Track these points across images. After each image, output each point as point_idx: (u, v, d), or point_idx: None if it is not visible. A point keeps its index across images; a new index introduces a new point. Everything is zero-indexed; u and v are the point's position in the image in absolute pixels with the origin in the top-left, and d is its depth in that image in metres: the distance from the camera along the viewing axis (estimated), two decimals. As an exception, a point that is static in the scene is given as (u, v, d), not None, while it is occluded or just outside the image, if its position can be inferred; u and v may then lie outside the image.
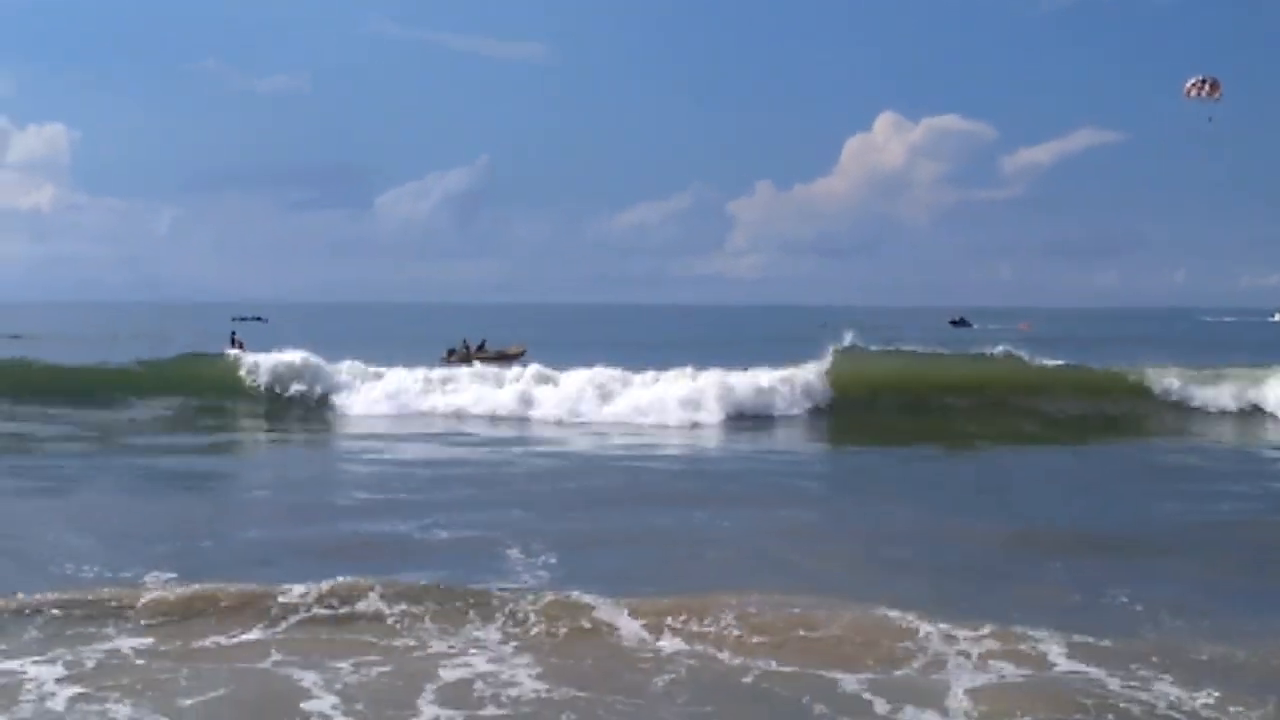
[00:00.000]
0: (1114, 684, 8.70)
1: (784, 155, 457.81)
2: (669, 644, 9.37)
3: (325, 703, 8.21)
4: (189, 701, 8.32)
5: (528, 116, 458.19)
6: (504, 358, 48.13)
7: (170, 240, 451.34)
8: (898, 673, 8.98)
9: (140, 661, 9.21)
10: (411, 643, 9.50)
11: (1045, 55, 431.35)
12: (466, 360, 47.17)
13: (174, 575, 11.78)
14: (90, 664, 9.09)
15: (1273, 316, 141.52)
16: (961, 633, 9.58)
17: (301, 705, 8.20)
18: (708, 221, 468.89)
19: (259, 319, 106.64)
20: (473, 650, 9.31)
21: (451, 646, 9.43)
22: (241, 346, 46.33)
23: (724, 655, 9.28)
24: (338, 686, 8.47)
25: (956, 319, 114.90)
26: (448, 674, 8.76)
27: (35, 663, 8.97)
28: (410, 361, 41.00)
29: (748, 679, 8.74)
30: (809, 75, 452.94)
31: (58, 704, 8.19)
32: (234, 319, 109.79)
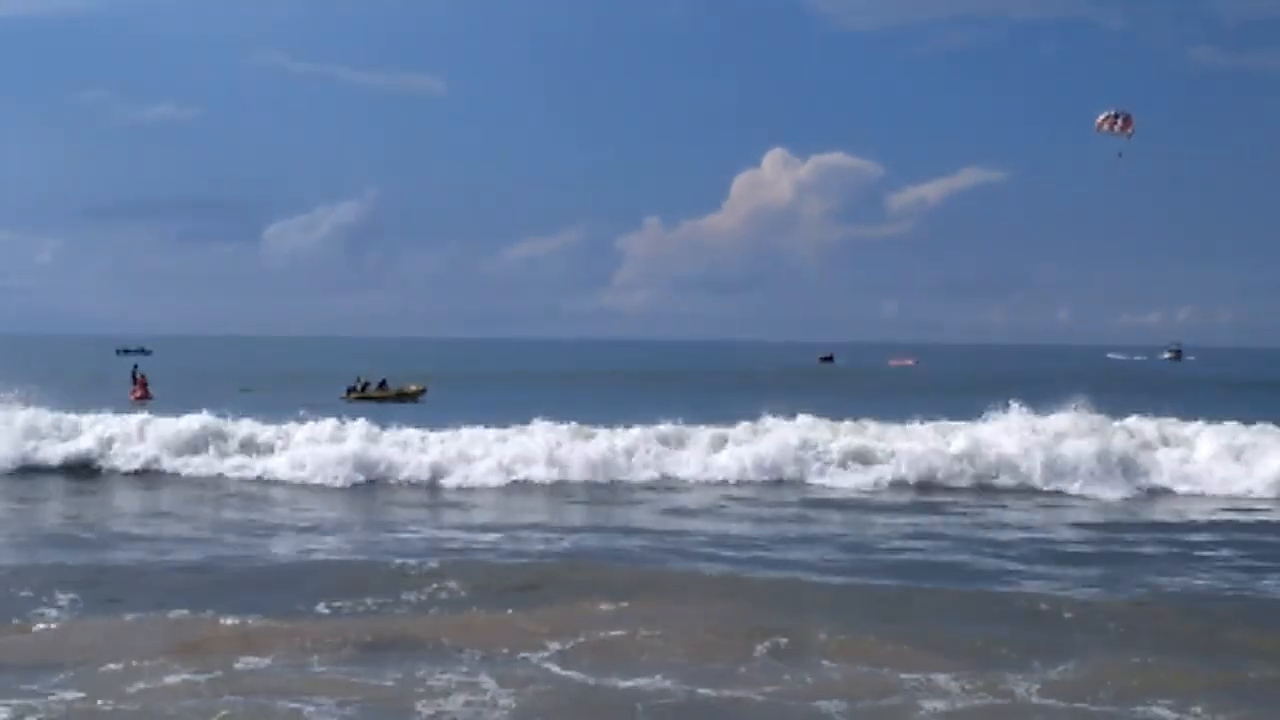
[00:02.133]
0: None
1: (672, 191, 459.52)
2: None
3: None
4: None
5: (418, 150, 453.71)
6: (404, 396, 46.81)
7: (55, 272, 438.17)
8: None
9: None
10: None
11: (932, 95, 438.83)
12: (365, 398, 45.74)
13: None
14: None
15: (1163, 354, 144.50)
16: None
17: None
18: (596, 257, 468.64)
19: (143, 351, 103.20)
20: None
21: None
22: (144, 384, 43.94)
23: None
24: None
25: (825, 355, 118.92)
26: None
27: None
28: (307, 400, 39.26)
29: None
30: (698, 111, 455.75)
31: None
32: (119, 351, 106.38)
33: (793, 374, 79.03)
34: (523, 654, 10.24)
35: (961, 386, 59.15)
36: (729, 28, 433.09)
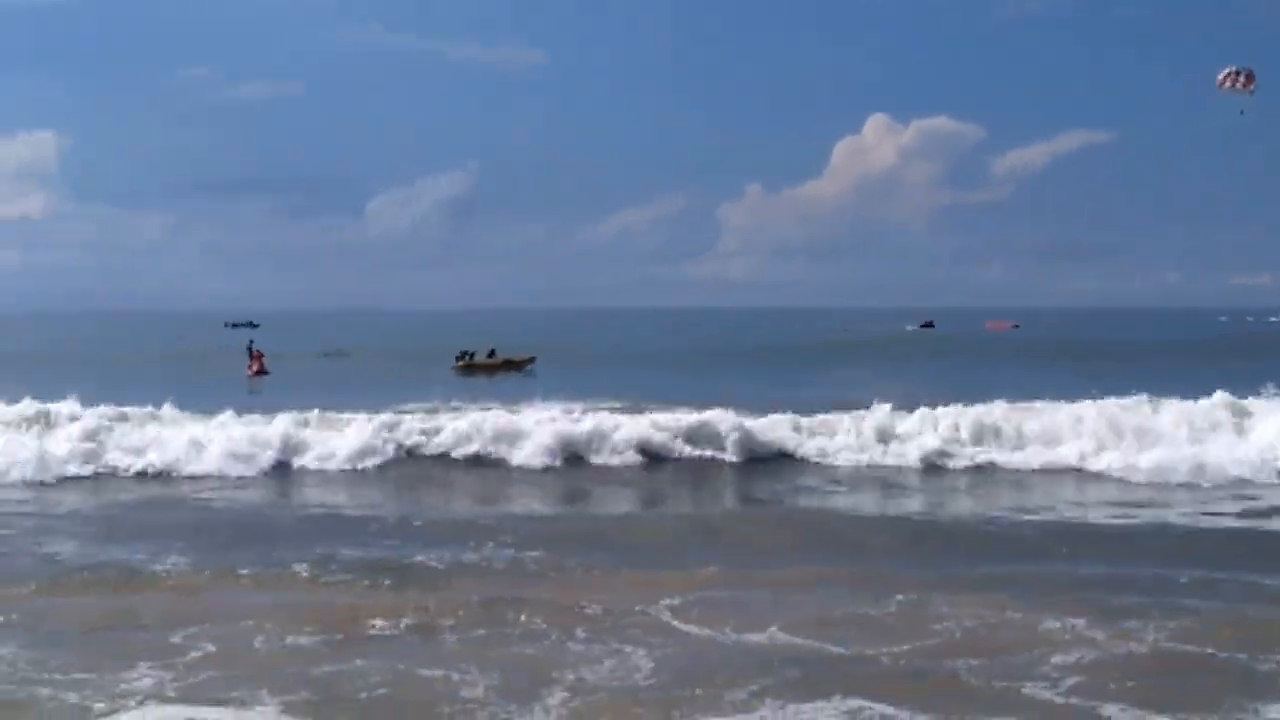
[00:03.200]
0: None
1: (774, 158, 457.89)
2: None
3: None
4: None
5: (518, 121, 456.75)
6: (511, 365, 47.11)
7: (160, 248, 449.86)
8: None
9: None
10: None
11: (1035, 56, 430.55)
12: (471, 369, 46.21)
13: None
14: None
15: (1273, 317, 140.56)
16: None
17: None
18: (697, 225, 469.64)
19: (251, 324, 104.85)
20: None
21: None
22: (260, 359, 44.65)
23: None
24: None
25: (926, 322, 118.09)
26: None
27: None
28: (418, 372, 39.78)
29: None
30: (799, 77, 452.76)
31: None
32: (227, 325, 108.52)
33: (896, 341, 78.24)
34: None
35: (1059, 351, 57.87)
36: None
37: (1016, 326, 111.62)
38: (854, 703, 8.10)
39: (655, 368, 49.22)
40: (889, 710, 7.96)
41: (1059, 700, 8.29)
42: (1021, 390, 24.39)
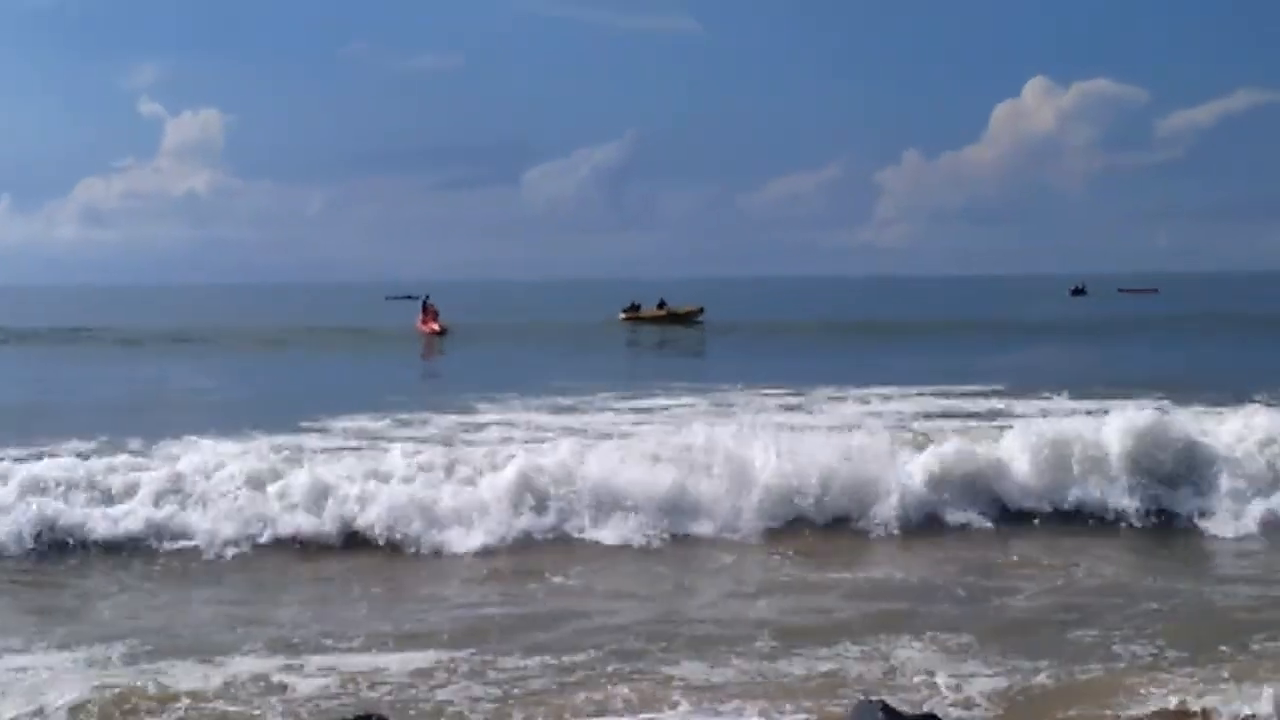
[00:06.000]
0: None
1: (931, 124, 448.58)
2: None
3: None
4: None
5: (675, 90, 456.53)
6: (678, 317, 46.27)
7: (323, 222, 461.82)
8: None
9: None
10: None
11: (1199, 14, 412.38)
12: (638, 320, 45.72)
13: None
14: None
15: None
16: None
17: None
18: (855, 192, 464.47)
19: (411, 298, 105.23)
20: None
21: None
22: (435, 315, 42.53)
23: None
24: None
25: (1077, 287, 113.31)
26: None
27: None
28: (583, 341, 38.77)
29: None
30: (956, 42, 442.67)
31: None
32: (387, 298, 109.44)
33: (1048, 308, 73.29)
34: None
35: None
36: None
37: (1156, 291, 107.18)
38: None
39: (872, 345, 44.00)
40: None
41: None
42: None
